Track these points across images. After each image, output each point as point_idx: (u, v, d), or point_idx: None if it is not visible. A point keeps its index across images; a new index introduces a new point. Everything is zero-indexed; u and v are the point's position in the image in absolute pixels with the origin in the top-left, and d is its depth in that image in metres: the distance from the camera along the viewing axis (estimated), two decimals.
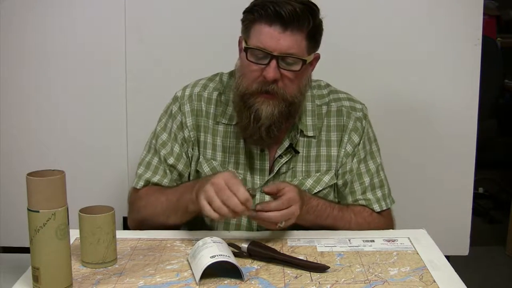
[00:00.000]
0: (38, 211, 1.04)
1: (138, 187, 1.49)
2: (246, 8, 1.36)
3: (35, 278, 1.07)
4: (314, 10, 1.34)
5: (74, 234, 1.23)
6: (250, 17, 1.34)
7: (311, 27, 1.33)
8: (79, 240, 1.21)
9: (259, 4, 1.32)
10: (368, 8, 1.89)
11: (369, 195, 1.48)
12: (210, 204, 1.24)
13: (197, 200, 1.27)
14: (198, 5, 1.88)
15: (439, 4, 1.89)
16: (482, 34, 1.89)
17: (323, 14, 1.36)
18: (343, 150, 1.49)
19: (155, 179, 1.48)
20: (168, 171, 1.48)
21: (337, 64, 1.86)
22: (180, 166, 1.49)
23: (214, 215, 1.25)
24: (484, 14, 1.91)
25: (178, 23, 1.89)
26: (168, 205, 1.39)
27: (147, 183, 1.49)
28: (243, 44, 1.37)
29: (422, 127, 1.96)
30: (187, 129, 1.48)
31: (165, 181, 1.48)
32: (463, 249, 2.01)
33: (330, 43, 1.81)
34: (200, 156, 1.49)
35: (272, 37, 1.31)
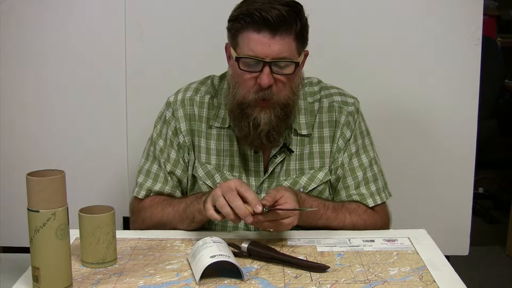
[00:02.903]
0: (38, 211, 1.04)
1: (140, 197, 1.49)
2: (231, 17, 1.35)
3: (35, 278, 1.07)
4: (300, 10, 1.33)
5: (74, 234, 1.23)
6: (237, 26, 1.33)
7: (299, 27, 1.32)
8: (79, 240, 1.21)
9: (245, 12, 1.31)
10: (368, 7, 1.89)
11: (363, 189, 1.48)
12: (214, 204, 1.25)
13: (204, 207, 1.28)
14: (198, 5, 1.89)
15: (439, 4, 1.89)
16: (482, 34, 1.89)
17: (309, 8, 1.35)
18: (336, 145, 1.49)
19: (157, 187, 1.48)
20: (168, 177, 1.48)
21: (336, 65, 1.87)
22: (178, 172, 1.49)
23: (215, 215, 1.25)
24: (484, 14, 1.91)
25: (178, 23, 1.89)
26: (174, 215, 1.40)
27: (149, 192, 1.49)
28: (233, 53, 1.36)
29: (422, 127, 1.96)
30: (181, 135, 1.49)
31: (167, 188, 1.48)
32: (463, 249, 2.01)
33: (329, 44, 1.83)
34: (195, 161, 1.49)
35: (262, 43, 1.30)
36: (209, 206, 1.26)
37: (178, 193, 1.50)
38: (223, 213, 1.24)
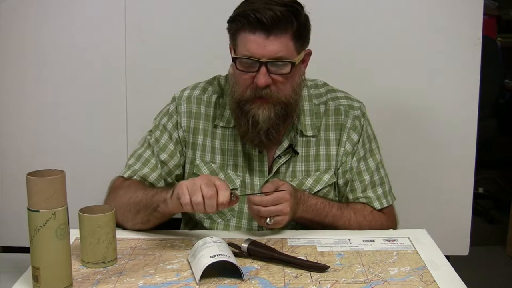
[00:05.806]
0: (38, 211, 1.04)
1: (125, 176, 1.48)
2: (229, 18, 1.37)
3: (35, 278, 1.07)
4: (297, 10, 1.33)
5: (74, 234, 1.24)
6: (234, 27, 1.35)
7: (296, 27, 1.32)
8: (79, 240, 1.21)
9: (241, 13, 1.32)
10: (368, 8, 1.89)
11: (370, 193, 1.49)
12: (190, 194, 1.22)
13: (172, 196, 1.25)
14: (198, 5, 1.89)
15: (439, 4, 1.89)
16: (482, 34, 1.89)
17: (309, 10, 1.36)
18: (343, 149, 1.49)
19: (144, 171, 1.47)
20: (159, 165, 1.48)
21: (336, 64, 1.87)
22: (172, 163, 1.48)
23: (188, 205, 1.22)
24: (484, 14, 1.91)
25: (178, 23, 1.89)
26: (141, 199, 1.36)
27: (134, 174, 1.47)
28: (232, 53, 1.38)
29: (422, 127, 1.96)
30: (181, 129, 1.49)
31: (154, 175, 1.47)
32: (463, 249, 2.01)
33: (330, 44, 1.83)
34: (198, 159, 1.49)
35: (257, 44, 1.31)
36: (185, 192, 1.22)
37: (161, 184, 1.48)
38: (195, 209, 1.22)
